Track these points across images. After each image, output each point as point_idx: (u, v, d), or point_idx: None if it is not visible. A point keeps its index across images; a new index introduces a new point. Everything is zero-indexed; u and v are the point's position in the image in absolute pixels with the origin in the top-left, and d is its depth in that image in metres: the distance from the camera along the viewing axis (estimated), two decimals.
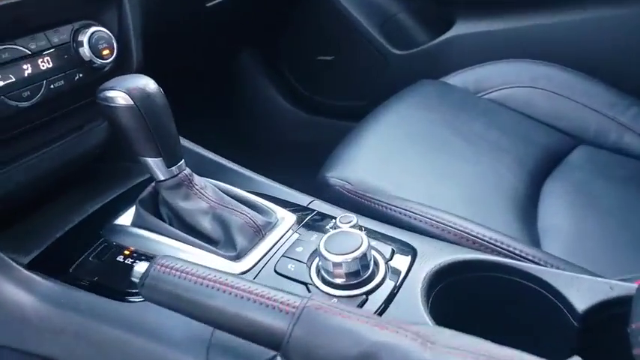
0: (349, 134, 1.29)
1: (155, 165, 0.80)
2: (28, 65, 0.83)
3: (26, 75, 0.83)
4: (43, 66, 0.85)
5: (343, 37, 1.77)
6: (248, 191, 0.91)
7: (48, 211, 0.91)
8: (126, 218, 0.86)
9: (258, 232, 0.81)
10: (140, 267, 0.64)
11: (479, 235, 0.90)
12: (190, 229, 0.83)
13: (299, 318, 0.54)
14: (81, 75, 0.91)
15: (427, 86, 1.50)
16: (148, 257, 0.79)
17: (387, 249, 0.78)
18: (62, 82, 0.88)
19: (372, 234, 0.82)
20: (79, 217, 0.89)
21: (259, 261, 0.77)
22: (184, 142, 1.03)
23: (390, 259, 0.77)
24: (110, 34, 0.92)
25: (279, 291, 0.58)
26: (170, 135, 0.80)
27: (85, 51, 0.89)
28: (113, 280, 0.77)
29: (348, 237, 0.73)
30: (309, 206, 0.90)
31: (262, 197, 0.90)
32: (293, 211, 0.88)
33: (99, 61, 0.91)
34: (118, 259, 0.80)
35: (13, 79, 0.81)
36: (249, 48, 1.98)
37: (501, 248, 0.88)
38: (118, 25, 0.97)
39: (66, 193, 0.94)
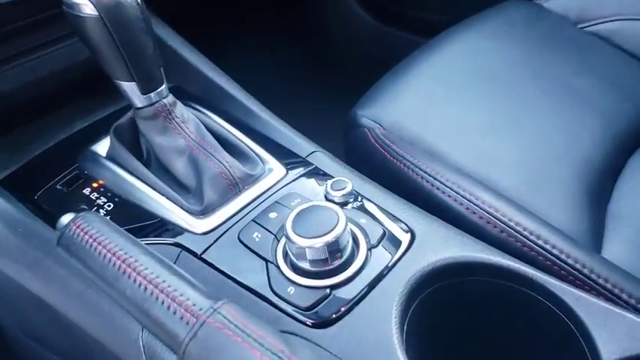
0: (398, 64, 1.07)
1: (129, 90, 0.68)
2: None
3: None
4: None
5: None
6: (242, 130, 0.77)
7: (34, 125, 0.83)
8: (104, 145, 0.77)
9: (234, 186, 0.68)
10: (65, 219, 0.54)
11: (510, 222, 0.70)
12: (163, 170, 0.72)
13: (196, 334, 0.42)
14: None
15: (515, 8, 1.20)
16: (111, 196, 0.70)
17: (377, 231, 0.62)
18: None
19: (366, 209, 0.66)
20: (62, 135, 0.81)
21: (224, 222, 0.65)
22: (193, 59, 0.89)
23: (376, 245, 0.61)
24: None
25: (191, 287, 0.46)
26: (145, 56, 0.66)
27: None
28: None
29: (322, 214, 0.58)
30: (308, 159, 0.75)
31: (256, 140, 0.76)
32: (286, 164, 0.73)
33: None
34: (84, 191, 0.71)
35: None
36: None
37: (534, 243, 0.68)
38: None
39: (58, 106, 0.85)
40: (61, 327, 0.67)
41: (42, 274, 0.66)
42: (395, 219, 0.65)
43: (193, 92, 0.87)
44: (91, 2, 0.60)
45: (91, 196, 0.71)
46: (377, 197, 0.68)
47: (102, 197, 0.70)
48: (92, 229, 0.51)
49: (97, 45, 0.63)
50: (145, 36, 0.65)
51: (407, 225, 0.64)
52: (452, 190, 0.75)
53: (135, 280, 0.46)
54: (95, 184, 0.72)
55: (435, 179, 0.77)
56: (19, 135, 0.82)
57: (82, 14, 0.61)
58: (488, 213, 0.72)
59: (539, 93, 1.00)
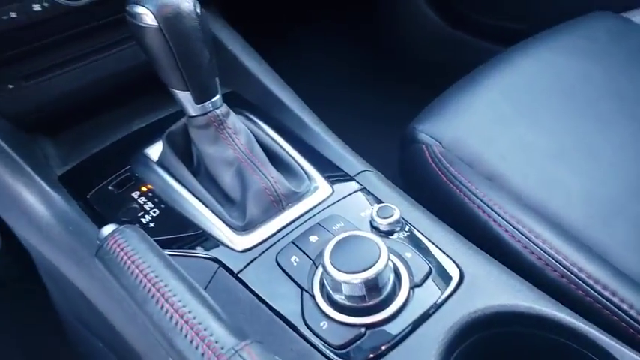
0: (465, 77, 1.00)
1: (183, 98, 0.67)
2: None
3: None
4: None
5: None
6: (292, 143, 0.74)
7: (94, 123, 0.84)
8: (157, 149, 0.76)
9: (277, 203, 0.66)
10: (105, 230, 0.54)
11: (573, 266, 0.63)
12: (211, 180, 0.70)
13: None
14: None
15: (599, 21, 1.09)
16: (158, 202, 0.70)
17: (422, 267, 0.58)
18: None
19: (413, 240, 0.62)
20: (119, 135, 0.82)
21: (264, 241, 0.63)
22: (250, 65, 0.87)
23: (420, 284, 0.57)
24: None
25: (217, 321, 0.44)
26: (200, 66, 0.65)
27: None
28: (119, 219, 0.69)
29: (363, 246, 0.54)
30: (357, 178, 0.71)
31: (305, 155, 0.73)
32: (333, 182, 0.69)
33: None
34: (133, 194, 0.72)
35: None
36: None
37: (599, 294, 0.61)
38: None
39: (117, 107, 0.86)
40: (102, 320, 0.68)
41: (87, 273, 0.67)
42: (444, 255, 0.60)
43: (249, 99, 0.86)
44: (152, 13, 0.59)
45: (139, 200, 0.71)
46: (426, 227, 0.63)
47: (149, 202, 0.70)
48: (128, 245, 0.50)
49: (155, 54, 0.63)
50: (202, 47, 0.63)
51: (456, 263, 0.59)
52: (509, 223, 0.69)
53: (162, 307, 0.45)
54: (144, 189, 0.72)
55: (492, 209, 0.71)
56: (80, 132, 0.84)
57: (142, 24, 0.60)
58: (547, 254, 0.65)
59: (619, 117, 0.90)
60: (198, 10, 0.62)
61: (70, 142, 0.83)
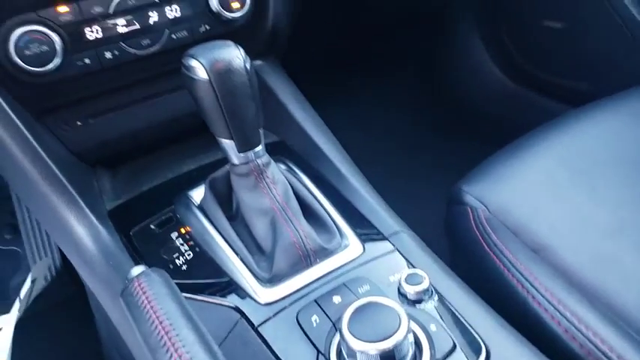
0: (519, 139, 0.96)
1: (228, 147, 0.69)
2: (155, 13, 0.78)
3: (151, 23, 0.78)
4: (170, 15, 0.79)
5: (580, 1, 1.32)
6: (329, 196, 0.74)
7: (149, 160, 0.89)
8: (200, 192, 0.79)
9: (305, 258, 0.65)
10: (135, 271, 0.56)
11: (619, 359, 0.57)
12: (246, 228, 0.71)
13: None
14: (207, 27, 0.83)
15: None
16: (193, 245, 0.71)
17: (446, 342, 0.55)
18: (185, 32, 0.81)
19: (441, 311, 0.58)
20: (170, 174, 0.85)
21: (288, 296, 0.62)
22: (298, 115, 0.89)
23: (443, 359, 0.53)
24: None
25: None
26: (245, 118, 0.67)
27: (214, 2, 0.80)
28: (155, 257, 0.71)
29: (383, 315, 0.52)
30: (391, 238, 0.69)
31: (339, 209, 0.72)
32: (365, 240, 0.68)
33: (227, 15, 0.81)
34: (172, 234, 0.74)
35: (137, 27, 0.77)
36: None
37: None
38: None
39: (170, 147, 0.91)
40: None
41: (119, 309, 0.69)
42: (472, 330, 0.56)
43: (295, 148, 0.87)
44: (204, 67, 0.62)
45: (177, 240, 0.73)
46: (457, 298, 0.60)
47: (185, 244, 0.72)
48: (150, 290, 0.52)
49: (204, 104, 0.65)
50: (248, 101, 0.66)
51: (483, 341, 0.55)
52: (550, 303, 0.64)
53: (171, 357, 0.45)
54: (183, 230, 0.74)
55: (532, 285, 0.66)
56: (134, 168, 0.88)
57: (195, 77, 0.63)
58: (591, 342, 0.59)
59: None
60: (248, 66, 0.65)
61: (125, 177, 0.87)
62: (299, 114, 0.89)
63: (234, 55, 0.64)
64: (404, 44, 1.76)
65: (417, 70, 1.81)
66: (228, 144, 0.68)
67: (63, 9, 0.71)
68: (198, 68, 0.63)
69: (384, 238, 0.69)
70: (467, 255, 0.78)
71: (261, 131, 0.70)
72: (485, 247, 0.75)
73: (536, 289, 0.66)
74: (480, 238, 0.76)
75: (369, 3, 1.25)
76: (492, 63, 1.65)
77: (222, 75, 0.63)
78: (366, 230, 0.70)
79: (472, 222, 0.80)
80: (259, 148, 0.70)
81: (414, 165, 1.58)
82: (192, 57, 0.64)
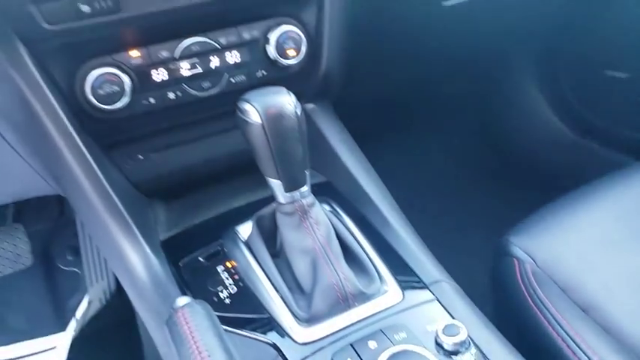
0: (574, 191, 0.94)
1: (275, 186, 0.72)
2: (216, 58, 0.83)
3: (212, 67, 0.83)
4: (230, 60, 0.84)
5: None
6: (372, 241, 0.75)
7: (202, 195, 0.93)
8: (248, 228, 0.82)
9: (344, 301, 0.66)
10: (180, 301, 0.59)
11: None
12: (288, 266, 0.73)
13: None
14: (264, 72, 0.87)
15: None
16: (237, 280, 0.74)
17: None
18: (243, 77, 0.86)
19: None
20: (222, 209, 0.89)
21: (324, 337, 0.63)
22: (346, 158, 0.91)
23: None
24: (301, 34, 0.85)
25: None
26: (293, 160, 0.70)
27: (271, 50, 0.84)
28: (201, 289, 0.74)
29: None
30: (431, 287, 0.68)
31: (381, 254, 0.73)
32: (405, 287, 0.68)
33: (283, 61, 0.85)
34: (218, 268, 0.77)
35: (200, 70, 0.82)
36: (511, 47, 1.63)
37: None
38: (315, 25, 0.88)
39: (222, 183, 0.95)
40: None
41: (164, 336, 0.72)
42: None
43: (341, 190, 0.89)
44: (258, 112, 0.66)
45: (222, 274, 0.76)
46: (495, 353, 0.59)
47: (230, 279, 0.74)
48: (193, 321, 0.54)
49: (255, 146, 0.69)
50: (297, 144, 0.69)
51: None
52: None
53: None
54: (229, 264, 0.77)
55: (579, 347, 0.63)
56: (188, 201, 0.93)
57: (248, 120, 0.67)
58: None
59: None
60: (298, 112, 0.68)
61: (178, 209, 0.92)
62: (346, 157, 0.91)
63: (286, 101, 0.67)
64: (459, 89, 1.76)
65: (471, 115, 1.80)
66: (275, 183, 0.71)
67: (134, 53, 0.78)
68: (252, 112, 0.67)
69: (425, 287, 0.69)
70: (510, 309, 0.76)
71: (307, 173, 0.72)
72: (530, 302, 0.73)
73: (582, 351, 0.63)
74: (525, 292, 0.74)
75: (424, 55, 1.27)
76: (550, 111, 1.62)
77: (274, 119, 0.67)
78: (407, 277, 0.70)
79: (518, 275, 0.78)
80: (305, 188, 0.72)
81: (463, 212, 1.55)
82: (247, 101, 0.68)
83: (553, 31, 1.51)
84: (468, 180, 1.70)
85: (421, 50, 1.23)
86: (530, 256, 0.81)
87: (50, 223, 1.53)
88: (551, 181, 1.14)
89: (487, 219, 1.36)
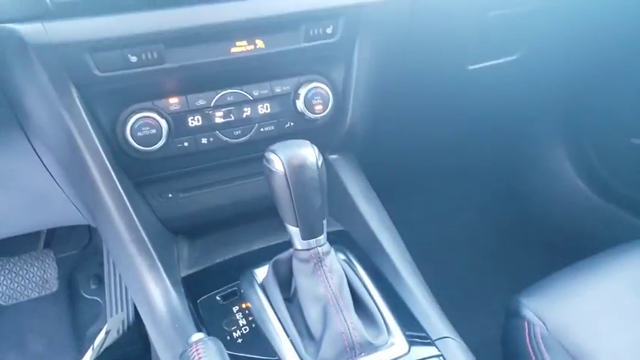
0: (591, 257, 0.94)
1: (293, 233, 0.75)
2: (248, 109, 0.89)
3: (244, 117, 0.89)
4: (261, 111, 0.90)
5: None
6: (382, 292, 0.77)
7: (224, 235, 0.97)
8: (265, 270, 0.85)
9: (351, 350, 0.68)
10: (195, 337, 0.62)
11: None
12: (300, 312, 0.75)
13: None
14: (292, 124, 0.93)
15: None
16: (250, 321, 0.76)
17: None
18: (272, 127, 0.92)
19: None
20: (241, 250, 0.92)
21: None
22: (364, 209, 0.94)
23: None
24: (328, 91, 0.91)
25: None
26: (312, 209, 0.73)
27: (300, 104, 0.90)
28: (216, 327, 0.77)
29: None
30: (437, 343, 0.70)
31: (391, 306, 0.75)
32: (412, 341, 0.69)
33: (310, 115, 0.91)
34: (234, 308, 0.80)
35: (232, 119, 0.88)
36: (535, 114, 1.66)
37: None
38: (342, 83, 0.94)
39: (244, 225, 0.99)
40: None
41: None
42: None
43: (356, 239, 0.92)
44: (282, 162, 0.71)
45: (237, 314, 0.78)
46: None
47: (243, 319, 0.77)
48: (206, 356, 0.57)
49: (277, 193, 0.73)
50: (316, 194, 0.72)
51: None
52: None
53: None
54: (244, 305, 0.80)
55: None
56: (211, 241, 0.97)
57: (273, 168, 0.72)
58: None
59: None
60: (320, 164, 0.72)
61: (201, 248, 0.96)
62: (364, 207, 0.95)
63: (309, 153, 0.71)
64: (483, 148, 1.79)
65: (494, 173, 1.82)
66: (293, 230, 0.75)
67: (174, 100, 0.84)
68: (277, 162, 0.71)
69: (431, 342, 0.70)
70: None
71: (324, 222, 0.75)
72: None
73: None
74: (533, 356, 0.75)
75: (448, 116, 1.32)
76: (575, 174, 1.63)
77: (296, 170, 0.71)
78: (414, 331, 0.72)
79: (527, 337, 0.79)
80: (321, 237, 0.75)
81: (479, 268, 1.55)
82: (273, 152, 0.72)
83: (577, 98, 1.54)
84: (486, 237, 1.70)
85: (445, 111, 1.27)
86: (540, 319, 0.81)
87: (78, 250, 1.59)
88: (570, 243, 1.15)
89: (503, 277, 1.36)
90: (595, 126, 1.57)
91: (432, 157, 1.72)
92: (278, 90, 0.90)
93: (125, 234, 0.87)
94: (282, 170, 0.71)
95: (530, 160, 1.74)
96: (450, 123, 1.37)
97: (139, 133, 0.81)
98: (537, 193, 1.75)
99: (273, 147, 0.73)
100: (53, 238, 1.57)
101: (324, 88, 0.91)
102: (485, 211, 1.83)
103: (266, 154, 0.74)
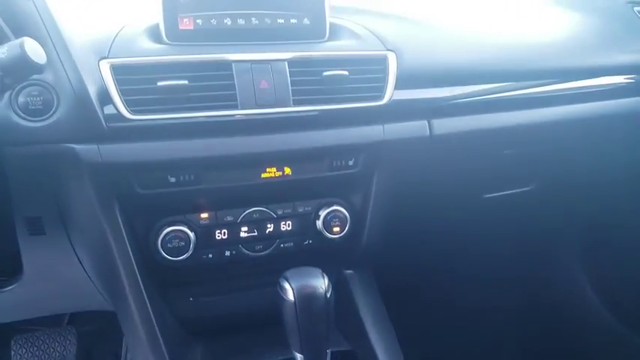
0: None
1: (298, 359, 0.77)
2: (272, 225, 0.94)
3: (267, 232, 0.94)
4: (283, 228, 0.95)
5: None
6: None
7: (236, 342, 0.99)
8: None
9: None
10: None
11: None
12: None
13: None
14: (310, 241, 0.97)
15: None
16: None
17: None
18: (292, 243, 0.96)
19: None
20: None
21: None
22: (370, 329, 0.96)
23: None
24: (347, 214, 0.95)
25: None
26: (316, 336, 0.76)
27: (319, 224, 0.95)
28: None
29: None
30: None
31: None
32: None
33: (328, 235, 0.95)
34: None
35: (255, 234, 0.93)
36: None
37: None
38: (360, 207, 0.99)
39: (255, 331, 1.01)
40: None
41: None
42: None
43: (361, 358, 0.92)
44: (293, 292, 0.74)
45: None
46: None
47: None
48: None
49: (285, 320, 0.76)
50: (322, 326, 0.76)
51: None
52: None
53: None
54: None
55: None
56: (221, 344, 0.99)
57: (284, 297, 0.75)
58: None
59: None
60: (329, 295, 0.75)
61: (214, 351, 0.98)
62: (373, 334, 0.96)
63: (319, 284, 0.75)
64: (502, 267, 1.77)
65: (512, 289, 1.78)
66: (299, 357, 0.77)
67: (204, 215, 0.90)
68: (289, 291, 0.75)
69: None
70: None
71: (328, 352, 0.77)
72: None
73: None
74: None
75: (464, 238, 1.34)
76: (598, 300, 1.58)
77: (306, 298, 0.74)
78: None
79: None
80: None
81: None
82: (287, 280, 0.76)
83: (596, 222, 1.53)
84: (499, 352, 1.64)
85: (461, 234, 1.30)
86: None
87: (100, 325, 1.61)
88: None
89: None
90: (615, 253, 1.55)
91: (444, 268, 1.72)
92: (300, 210, 0.95)
93: (142, 332, 0.91)
94: (293, 300, 0.74)
95: (547, 281, 1.70)
96: (465, 246, 1.38)
97: (169, 245, 0.86)
98: (556, 314, 1.70)
99: (288, 274, 0.77)
100: (78, 313, 1.60)
101: (343, 212, 0.95)
102: (499, 323, 1.78)
103: (280, 280, 0.77)
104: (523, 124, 1.02)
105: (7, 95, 0.73)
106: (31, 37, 0.66)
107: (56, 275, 1.03)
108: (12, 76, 0.62)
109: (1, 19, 0.71)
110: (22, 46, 0.61)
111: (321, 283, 0.75)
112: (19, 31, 0.73)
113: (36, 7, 0.76)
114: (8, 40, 0.71)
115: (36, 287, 1.06)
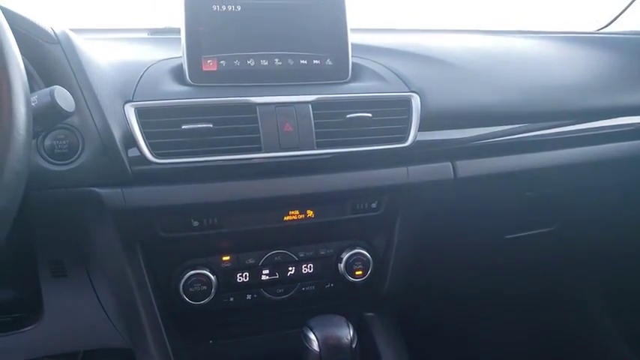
0: None
1: None
2: (293, 268, 0.91)
3: (288, 275, 0.91)
4: (304, 271, 0.91)
5: None
6: None
7: None
8: None
9: None
10: None
11: None
12: None
13: None
14: (332, 285, 0.93)
15: None
16: None
17: None
18: (313, 287, 0.93)
19: None
20: None
21: None
22: None
23: None
24: (369, 257, 0.92)
25: None
26: None
27: (341, 267, 0.91)
28: None
29: None
30: None
31: None
32: None
33: (350, 279, 0.91)
34: None
35: (277, 277, 0.90)
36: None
37: None
38: (383, 250, 0.95)
39: None
40: None
41: None
42: None
43: None
44: (318, 342, 0.71)
45: None
46: None
47: None
48: None
49: None
50: None
51: None
52: None
53: None
54: None
55: None
56: None
57: (309, 347, 0.72)
58: None
59: None
60: (354, 346, 0.71)
61: None
62: None
63: (344, 334, 0.71)
64: (526, 306, 1.70)
65: (536, 332, 1.71)
66: None
67: (226, 258, 0.87)
68: (313, 341, 0.71)
69: None
70: None
71: None
72: None
73: None
74: None
75: (487, 281, 1.29)
76: (628, 350, 1.51)
77: (331, 350, 0.71)
78: None
79: None
80: None
81: None
82: (311, 329, 0.72)
83: (619, 269, 1.47)
84: None
85: (483, 275, 1.25)
86: None
87: None
88: None
89: None
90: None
91: (468, 313, 1.65)
92: (322, 252, 0.92)
93: None
94: (317, 351, 0.71)
95: (572, 325, 1.63)
96: (487, 287, 1.34)
97: (191, 289, 0.83)
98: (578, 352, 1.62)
99: (312, 323, 0.74)
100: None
101: (365, 255, 0.92)
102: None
103: (304, 329, 0.74)
104: (547, 166, 0.99)
105: (34, 140, 0.72)
106: (59, 83, 0.65)
107: (76, 315, 1.00)
108: (42, 124, 0.61)
109: (31, 66, 0.70)
110: (52, 94, 0.60)
111: (347, 334, 0.72)
112: (48, 76, 0.72)
113: (64, 52, 0.74)
114: (38, 87, 0.70)
115: (55, 327, 1.03)
